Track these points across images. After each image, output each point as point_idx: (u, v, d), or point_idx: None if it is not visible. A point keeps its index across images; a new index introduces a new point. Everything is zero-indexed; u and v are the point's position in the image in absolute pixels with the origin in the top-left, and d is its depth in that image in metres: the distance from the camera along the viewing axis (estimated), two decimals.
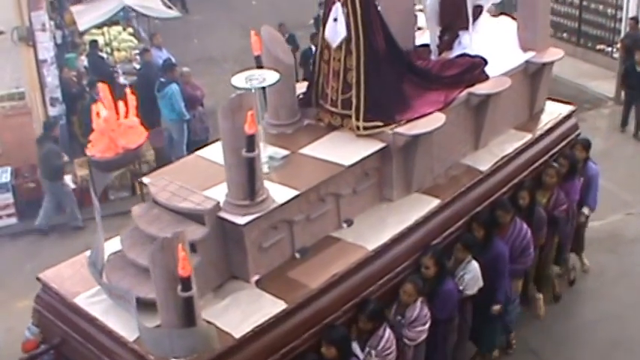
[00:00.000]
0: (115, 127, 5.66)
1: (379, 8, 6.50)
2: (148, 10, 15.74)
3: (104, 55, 15.25)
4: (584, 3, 15.27)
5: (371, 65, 6.10)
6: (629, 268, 8.53)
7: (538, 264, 7.45)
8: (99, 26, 15.62)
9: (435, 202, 6.27)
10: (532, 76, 7.47)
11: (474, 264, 6.29)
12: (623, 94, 12.38)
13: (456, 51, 7.37)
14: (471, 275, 6.26)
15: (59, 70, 13.34)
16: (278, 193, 5.46)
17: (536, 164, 7.26)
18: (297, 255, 5.66)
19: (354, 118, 6.14)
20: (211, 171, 5.83)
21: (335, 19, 6.14)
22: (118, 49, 15.94)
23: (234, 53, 15.70)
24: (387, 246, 5.80)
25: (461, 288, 6.22)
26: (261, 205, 5.26)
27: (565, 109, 7.85)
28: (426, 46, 7.53)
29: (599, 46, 15.00)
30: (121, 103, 5.82)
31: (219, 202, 5.29)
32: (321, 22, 6.62)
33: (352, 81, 6.13)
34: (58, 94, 13.26)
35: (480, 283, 6.31)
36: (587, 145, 7.75)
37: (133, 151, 5.67)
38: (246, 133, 4.91)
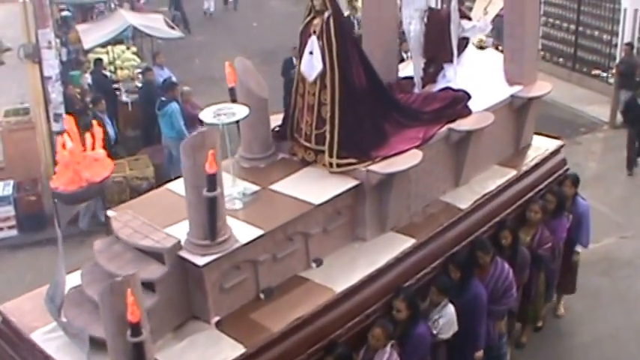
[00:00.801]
0: (80, 160, 5.59)
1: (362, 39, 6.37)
2: (152, 30, 15.80)
3: (107, 73, 15.29)
4: (580, 29, 15.45)
5: (346, 100, 5.95)
6: (622, 291, 8.51)
7: (522, 301, 7.24)
8: (103, 45, 15.68)
9: (409, 242, 6.08)
10: (518, 110, 7.29)
11: (450, 308, 6.09)
12: (627, 133, 11.67)
13: (440, 84, 7.21)
14: (447, 319, 6.06)
15: (64, 86, 13.38)
16: (242, 232, 5.31)
17: (521, 201, 7.07)
18: (262, 296, 5.49)
19: (327, 155, 5.99)
20: (179, 206, 5.64)
21: (311, 53, 6.00)
22: (121, 68, 15.98)
23: None
24: (355, 288, 5.62)
25: (435, 332, 6.02)
26: (223, 245, 5.11)
27: (552, 144, 7.66)
28: (411, 78, 7.39)
29: (594, 72, 15.14)
30: (87, 135, 5.76)
31: (179, 241, 5.15)
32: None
33: (326, 116, 5.98)
34: (62, 110, 13.28)
35: (455, 327, 6.11)
36: (575, 181, 7.54)
37: (98, 184, 5.59)
38: (207, 172, 4.78)
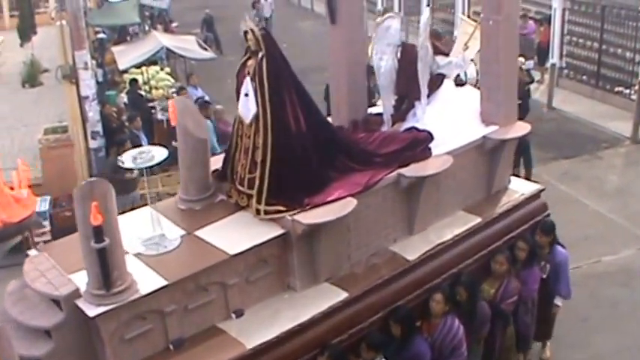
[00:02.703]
0: (1, 199, 5.55)
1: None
2: (185, 51, 16.01)
3: (143, 93, 15.53)
4: (604, 47, 15.47)
5: (279, 145, 5.65)
6: None
7: (485, 355, 6.74)
8: (138, 66, 15.96)
9: (342, 295, 5.72)
10: (490, 152, 6.80)
11: None
12: None
13: (409, 123, 6.83)
14: None
15: (101, 105, 13.64)
16: (147, 281, 5.11)
17: (485, 252, 6.57)
18: (171, 347, 5.27)
19: (254, 201, 5.71)
20: None
21: (246, 94, 5.76)
22: (156, 88, 16.21)
23: None
24: (271, 344, 5.30)
25: None
26: (119, 295, 4.91)
27: (530, 188, 7.12)
28: (382, 115, 7.04)
29: (617, 89, 15.12)
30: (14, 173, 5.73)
31: (78, 289, 4.99)
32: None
33: (258, 160, 5.72)
34: (99, 128, 13.57)
35: None
36: (547, 229, 6.93)
37: (16, 224, 5.54)
38: (92, 224, 4.62)
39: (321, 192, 5.80)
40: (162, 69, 16.47)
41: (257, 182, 5.72)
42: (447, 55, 7.17)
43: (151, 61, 16.02)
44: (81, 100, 13.53)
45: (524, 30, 17.10)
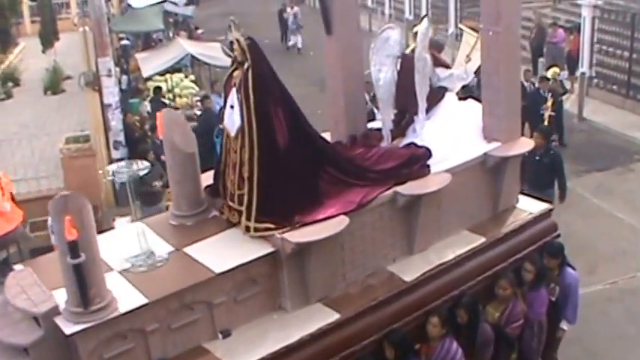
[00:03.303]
0: None
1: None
2: (210, 58, 15.99)
3: (167, 101, 15.53)
4: (634, 56, 15.28)
5: (266, 160, 5.48)
6: None
7: None
8: (162, 73, 15.98)
9: (333, 317, 5.51)
10: (492, 170, 6.54)
11: None
12: None
13: (409, 138, 6.61)
14: None
15: (123, 114, 13.63)
16: (128, 299, 4.99)
17: (489, 273, 6.32)
18: None
19: (244, 218, 5.56)
20: None
21: (232, 107, 5.62)
22: (180, 96, 16.23)
23: None
24: None
25: None
26: (98, 313, 4.79)
27: (539, 207, 6.83)
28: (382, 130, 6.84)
29: None
30: None
31: (57, 306, 4.89)
32: None
33: (245, 176, 5.56)
34: (122, 138, 13.54)
35: None
36: (554, 252, 6.65)
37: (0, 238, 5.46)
38: (66, 239, 4.51)
39: (314, 209, 5.61)
40: (186, 76, 16.51)
41: (245, 199, 5.56)
42: (448, 67, 6.93)
43: (175, 69, 16.04)
44: (104, 108, 13.52)
45: (554, 38, 16.79)
